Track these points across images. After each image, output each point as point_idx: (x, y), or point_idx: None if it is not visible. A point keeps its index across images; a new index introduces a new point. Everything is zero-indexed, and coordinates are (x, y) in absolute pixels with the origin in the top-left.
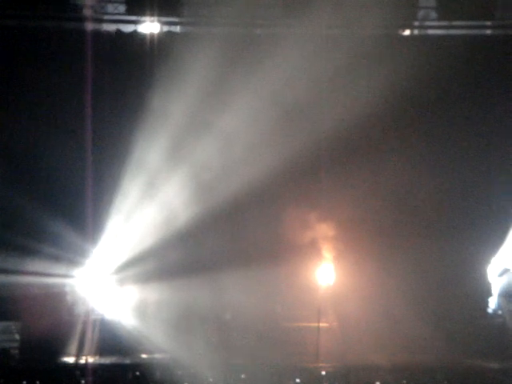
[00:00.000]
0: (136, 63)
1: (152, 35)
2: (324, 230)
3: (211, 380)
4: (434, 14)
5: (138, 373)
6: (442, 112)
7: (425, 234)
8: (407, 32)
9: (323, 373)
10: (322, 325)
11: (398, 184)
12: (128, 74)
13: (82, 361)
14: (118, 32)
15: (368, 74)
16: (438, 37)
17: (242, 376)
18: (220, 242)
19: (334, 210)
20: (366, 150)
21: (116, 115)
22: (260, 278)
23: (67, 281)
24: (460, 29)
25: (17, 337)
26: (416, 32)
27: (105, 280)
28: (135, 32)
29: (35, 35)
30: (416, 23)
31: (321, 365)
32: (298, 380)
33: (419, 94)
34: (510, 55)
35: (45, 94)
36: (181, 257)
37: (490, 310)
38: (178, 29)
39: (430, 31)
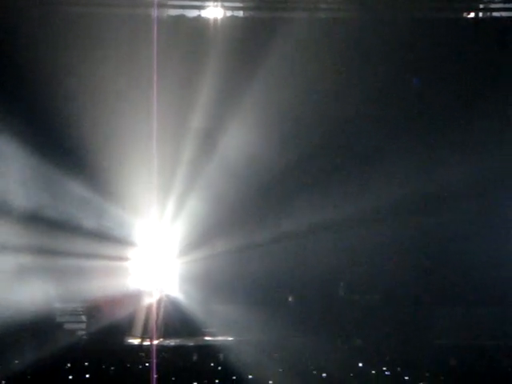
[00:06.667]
0: (200, 48)
1: (215, 20)
2: None
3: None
4: None
5: (201, 355)
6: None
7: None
8: (472, 15)
9: None
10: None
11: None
12: (192, 58)
13: (147, 342)
14: (182, 17)
15: (431, 58)
16: (504, 20)
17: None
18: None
19: None
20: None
21: (180, 100)
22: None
23: (133, 264)
24: None
25: (83, 318)
26: (481, 15)
27: (171, 262)
28: (199, 17)
29: (101, 21)
30: (481, 5)
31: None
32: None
33: (485, 79)
34: None
35: (110, 80)
36: (243, 237)
37: None
38: (241, 13)
39: (495, 13)
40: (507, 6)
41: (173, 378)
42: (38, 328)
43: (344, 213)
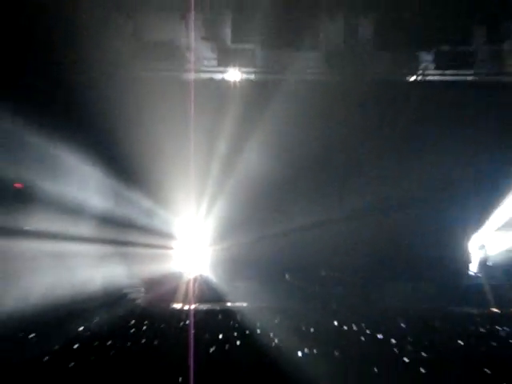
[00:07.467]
0: (224, 102)
1: (235, 81)
2: None
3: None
4: (432, 65)
5: (224, 316)
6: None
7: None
8: (412, 78)
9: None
10: None
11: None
12: (219, 109)
13: (186, 307)
14: (211, 79)
15: (379, 114)
16: (436, 82)
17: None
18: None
19: None
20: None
21: (210, 137)
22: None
23: (176, 251)
24: (452, 76)
25: (142, 290)
26: (419, 78)
27: (203, 250)
28: (223, 79)
29: (153, 83)
30: (419, 71)
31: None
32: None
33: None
34: (491, 97)
35: (159, 125)
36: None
37: (470, 272)
38: (253, 76)
39: (429, 77)
40: (437, 72)
41: (205, 333)
42: (112, 296)
43: (325, 217)
